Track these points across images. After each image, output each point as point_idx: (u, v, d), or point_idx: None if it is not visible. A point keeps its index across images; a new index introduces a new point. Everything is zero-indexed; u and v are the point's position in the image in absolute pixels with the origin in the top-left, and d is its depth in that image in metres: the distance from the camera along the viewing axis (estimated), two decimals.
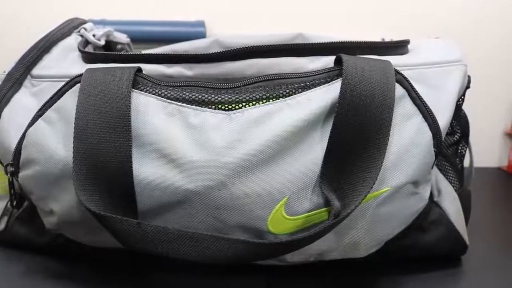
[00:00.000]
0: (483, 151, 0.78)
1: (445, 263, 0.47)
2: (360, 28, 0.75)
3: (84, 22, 0.53)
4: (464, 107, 0.47)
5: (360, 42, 0.44)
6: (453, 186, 0.49)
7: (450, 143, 0.49)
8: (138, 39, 0.65)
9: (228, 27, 0.73)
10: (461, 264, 0.48)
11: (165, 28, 0.70)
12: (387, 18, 0.76)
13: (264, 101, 0.40)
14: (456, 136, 0.49)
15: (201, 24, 0.71)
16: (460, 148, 0.50)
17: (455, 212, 0.47)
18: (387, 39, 0.57)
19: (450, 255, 0.48)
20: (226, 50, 0.43)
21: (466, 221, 0.49)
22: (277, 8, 0.74)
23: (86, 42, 0.50)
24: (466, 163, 0.51)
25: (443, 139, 0.42)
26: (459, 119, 0.48)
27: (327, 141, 0.39)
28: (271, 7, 0.74)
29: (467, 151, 0.51)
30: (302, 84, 0.41)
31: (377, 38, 0.53)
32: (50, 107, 0.42)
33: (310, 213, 0.40)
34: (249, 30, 0.72)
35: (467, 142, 0.50)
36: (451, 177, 0.49)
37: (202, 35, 0.70)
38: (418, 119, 0.41)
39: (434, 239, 0.46)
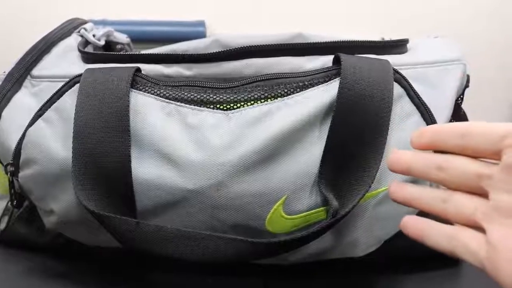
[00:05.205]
0: None
1: (444, 263, 0.47)
2: (359, 28, 0.75)
3: (84, 22, 0.53)
4: (464, 106, 0.47)
5: (358, 41, 0.44)
6: None
7: None
8: (138, 39, 0.65)
9: (228, 27, 0.73)
10: (460, 264, 0.48)
11: (165, 28, 0.70)
12: (387, 18, 0.75)
13: (262, 100, 0.40)
14: None
15: (201, 24, 0.71)
16: None
17: None
18: (386, 39, 0.57)
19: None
20: (224, 50, 0.43)
21: None
22: (277, 8, 0.74)
23: (86, 42, 0.51)
24: None
25: None
26: (459, 118, 0.48)
27: (325, 140, 0.39)
28: (271, 7, 0.74)
29: None
30: (300, 84, 0.41)
31: (376, 38, 0.53)
32: (49, 107, 0.42)
33: (309, 212, 0.40)
34: (249, 30, 0.72)
35: None
36: None
37: (202, 35, 0.70)
38: (416, 118, 0.41)
39: None
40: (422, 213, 0.43)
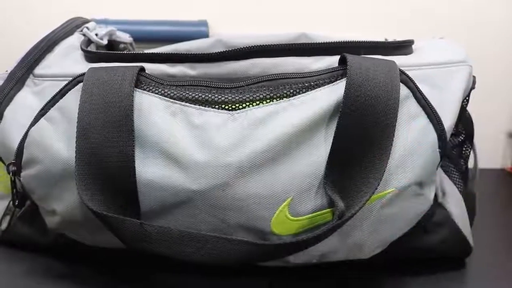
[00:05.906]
0: (486, 152, 0.78)
1: (449, 265, 0.47)
2: (363, 28, 0.75)
3: (87, 21, 0.53)
4: (468, 108, 0.47)
5: (364, 42, 0.44)
6: (458, 188, 0.48)
7: (455, 144, 0.49)
8: (140, 38, 0.65)
9: (231, 26, 0.73)
10: (465, 266, 0.47)
11: (168, 28, 0.70)
12: (390, 18, 0.75)
13: (268, 101, 0.40)
14: (460, 137, 0.49)
15: (204, 23, 0.71)
16: (464, 149, 0.50)
17: (459, 214, 0.46)
18: (390, 40, 0.57)
19: (455, 257, 0.48)
20: (230, 49, 0.43)
21: (471, 222, 0.49)
22: (280, 8, 0.74)
23: (89, 41, 0.50)
24: (469, 164, 0.50)
25: (448, 140, 0.42)
26: (464, 120, 0.48)
27: (331, 141, 0.39)
28: (274, 7, 0.74)
29: (471, 152, 0.50)
30: (306, 84, 0.40)
31: (380, 38, 0.52)
32: (52, 106, 0.42)
33: (314, 214, 0.39)
34: (252, 30, 0.72)
35: (471, 143, 0.50)
36: (455, 179, 0.49)
37: (204, 35, 0.70)
38: (423, 120, 0.40)
39: (438, 240, 0.45)
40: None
